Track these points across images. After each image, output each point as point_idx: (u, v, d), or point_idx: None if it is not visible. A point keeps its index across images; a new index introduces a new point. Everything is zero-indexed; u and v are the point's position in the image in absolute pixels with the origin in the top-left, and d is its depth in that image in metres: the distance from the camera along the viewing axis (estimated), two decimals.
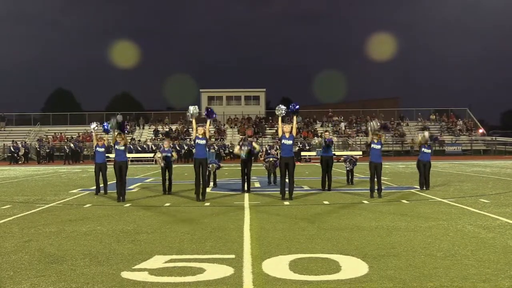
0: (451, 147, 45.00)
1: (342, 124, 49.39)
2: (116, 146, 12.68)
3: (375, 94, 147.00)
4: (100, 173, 13.95)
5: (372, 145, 12.74)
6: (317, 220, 9.28)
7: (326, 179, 14.61)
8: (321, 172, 14.80)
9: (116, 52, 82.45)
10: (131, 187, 16.28)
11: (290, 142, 12.27)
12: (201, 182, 12.28)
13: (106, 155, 14.41)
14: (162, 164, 13.95)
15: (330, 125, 50.13)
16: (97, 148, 13.97)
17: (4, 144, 44.44)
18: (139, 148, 39.72)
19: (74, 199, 13.31)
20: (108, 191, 14.12)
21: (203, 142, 12.27)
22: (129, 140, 43.07)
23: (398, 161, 33.85)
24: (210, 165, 14.62)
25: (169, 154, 14.03)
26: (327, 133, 16.28)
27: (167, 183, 14.14)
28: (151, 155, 38.11)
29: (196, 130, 12.32)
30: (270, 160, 16.34)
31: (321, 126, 50.40)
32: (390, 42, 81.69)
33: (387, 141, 46.15)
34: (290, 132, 12.24)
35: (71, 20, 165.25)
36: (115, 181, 12.78)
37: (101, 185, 14.30)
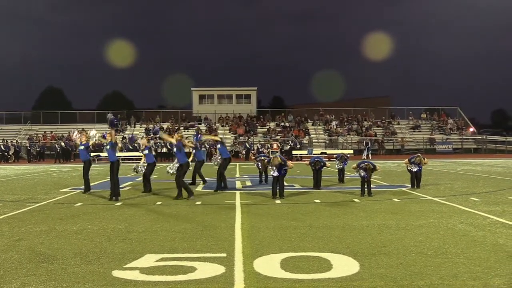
0: (442, 146, 45.24)
1: (334, 123, 49.46)
2: (107, 147, 12.62)
3: (367, 93, 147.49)
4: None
5: (363, 156, 12.94)
6: (309, 219, 9.30)
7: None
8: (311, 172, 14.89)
9: (107, 50, 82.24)
10: (122, 185, 16.21)
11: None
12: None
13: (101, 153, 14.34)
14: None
15: (321, 123, 50.20)
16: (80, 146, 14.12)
17: None
18: (130, 147, 39.55)
19: (65, 198, 13.24)
20: (92, 189, 14.09)
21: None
22: (120, 139, 42.92)
23: (389, 159, 33.94)
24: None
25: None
26: None
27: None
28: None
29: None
30: (262, 159, 16.35)
31: (312, 125, 50.48)
32: (382, 41, 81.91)
33: (378, 139, 46.29)
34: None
35: (62, 18, 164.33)
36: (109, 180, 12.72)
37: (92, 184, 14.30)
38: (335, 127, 48.77)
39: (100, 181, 14.57)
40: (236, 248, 6.88)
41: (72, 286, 5.25)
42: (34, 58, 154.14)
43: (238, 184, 16.37)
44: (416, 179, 14.60)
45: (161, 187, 15.03)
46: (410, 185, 14.71)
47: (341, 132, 47.63)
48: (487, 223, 8.74)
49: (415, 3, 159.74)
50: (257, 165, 16.95)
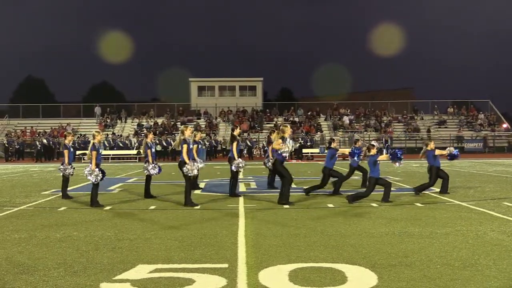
0: (471, 144, 45.15)
1: (346, 118, 49.32)
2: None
3: (386, 85, 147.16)
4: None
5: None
6: (320, 225, 9.29)
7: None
8: None
9: (95, 37, 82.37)
10: (111, 188, 16.26)
11: None
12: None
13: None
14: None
15: (335, 118, 50.12)
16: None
17: None
18: (121, 145, 39.64)
19: (47, 201, 13.28)
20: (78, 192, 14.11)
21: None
22: (109, 135, 42.99)
23: (412, 159, 33.82)
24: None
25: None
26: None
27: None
28: (134, 152, 38.06)
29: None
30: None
31: (325, 120, 50.44)
32: (402, 27, 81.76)
33: (399, 137, 46.24)
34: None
35: (43, 1, 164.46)
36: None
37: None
38: (348, 122, 48.69)
39: (86, 184, 14.59)
40: (239, 258, 6.89)
41: None
42: (11, 44, 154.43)
43: (242, 187, 16.38)
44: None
45: (160, 190, 15.00)
46: (435, 189, 14.52)
47: (357, 129, 47.56)
48: None
49: None
50: (265, 164, 16.81)
